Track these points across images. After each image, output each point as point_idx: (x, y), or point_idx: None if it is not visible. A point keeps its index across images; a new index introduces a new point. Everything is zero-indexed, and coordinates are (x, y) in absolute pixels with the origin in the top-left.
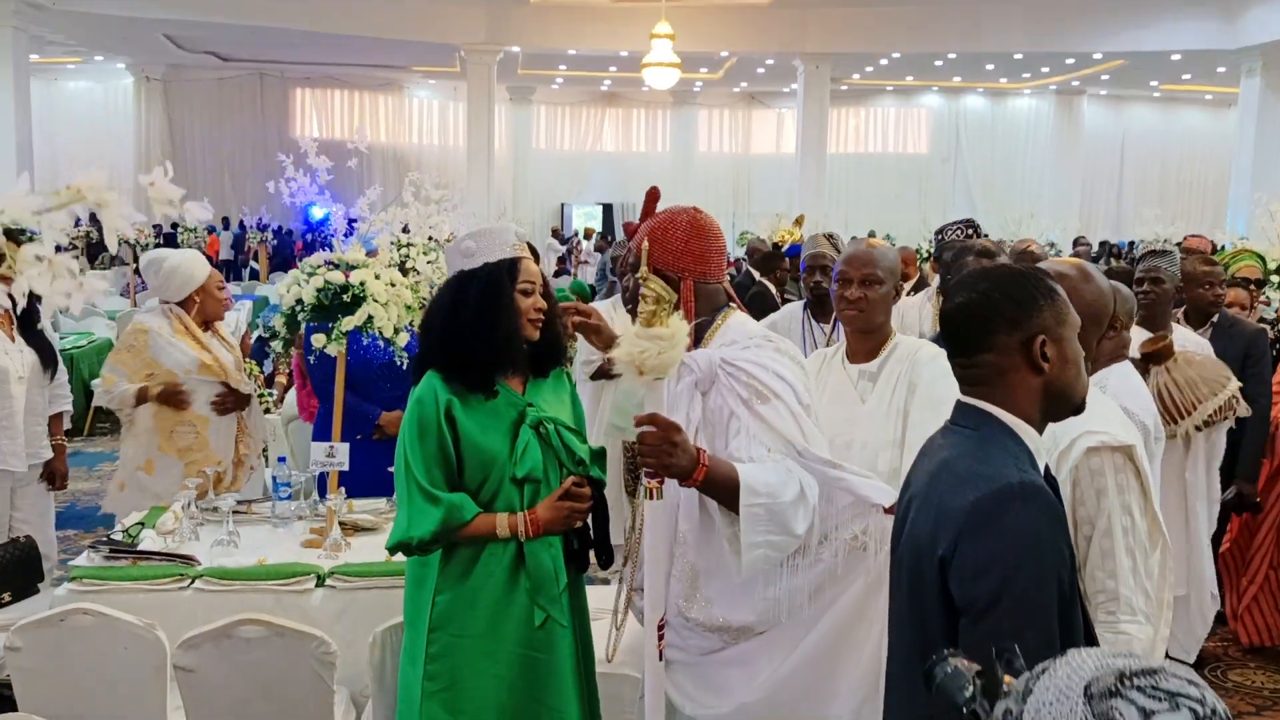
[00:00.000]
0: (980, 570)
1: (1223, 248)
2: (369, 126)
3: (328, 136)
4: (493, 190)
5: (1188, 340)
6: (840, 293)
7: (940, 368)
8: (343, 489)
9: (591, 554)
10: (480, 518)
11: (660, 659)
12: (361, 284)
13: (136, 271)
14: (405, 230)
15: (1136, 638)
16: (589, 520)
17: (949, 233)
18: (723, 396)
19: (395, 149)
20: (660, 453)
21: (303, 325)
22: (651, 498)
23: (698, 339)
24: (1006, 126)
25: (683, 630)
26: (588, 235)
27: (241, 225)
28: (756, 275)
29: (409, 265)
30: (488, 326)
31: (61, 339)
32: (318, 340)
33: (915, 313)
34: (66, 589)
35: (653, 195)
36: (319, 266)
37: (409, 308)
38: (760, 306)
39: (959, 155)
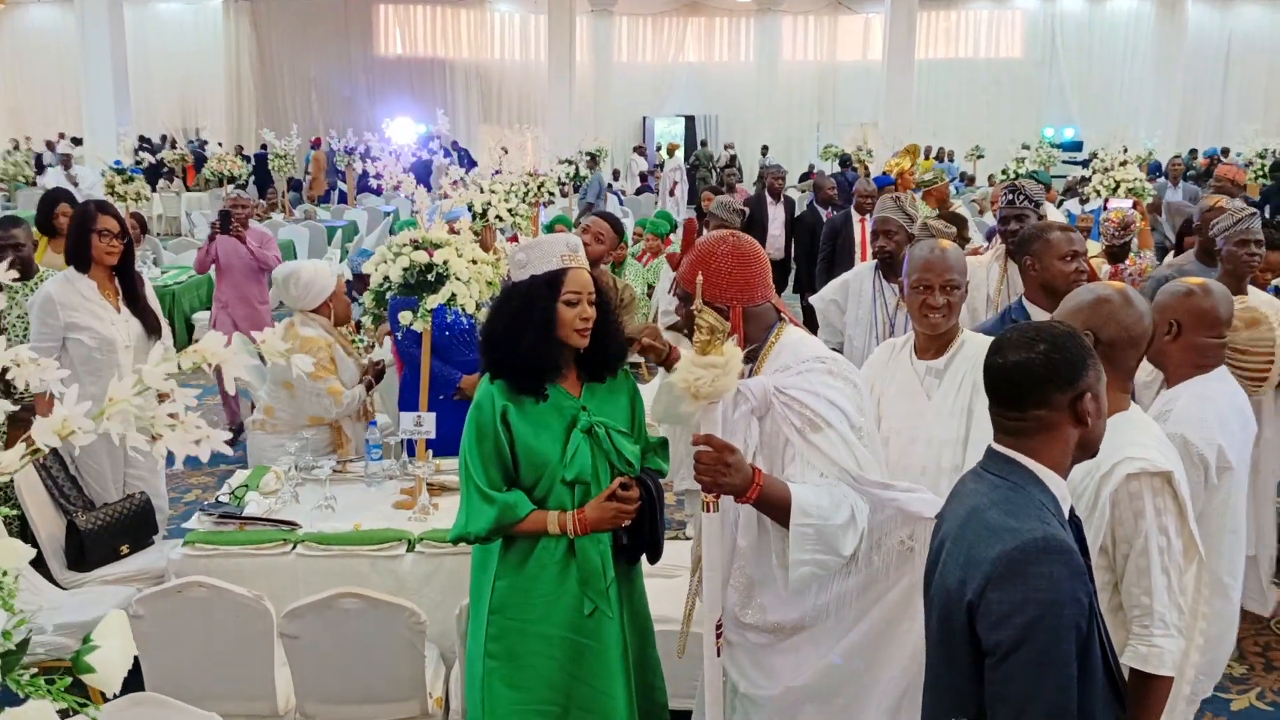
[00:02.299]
0: (1004, 618)
1: None
2: (451, 42)
3: (411, 53)
4: (574, 104)
5: (1261, 302)
6: (923, 299)
7: None
8: (430, 451)
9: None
10: (533, 515)
11: (718, 655)
12: (445, 263)
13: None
14: (504, 150)
15: (1168, 650)
16: (639, 517)
17: (1017, 202)
18: (777, 424)
19: (478, 64)
20: (715, 472)
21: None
22: (708, 510)
23: (751, 358)
24: (1105, 29)
25: (738, 628)
26: (670, 151)
27: (315, 144)
28: (821, 210)
29: (492, 212)
30: (521, 338)
31: (163, 273)
32: (404, 318)
33: (983, 272)
34: (181, 553)
35: (691, 226)
36: (404, 246)
37: (490, 284)
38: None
39: (1055, 60)
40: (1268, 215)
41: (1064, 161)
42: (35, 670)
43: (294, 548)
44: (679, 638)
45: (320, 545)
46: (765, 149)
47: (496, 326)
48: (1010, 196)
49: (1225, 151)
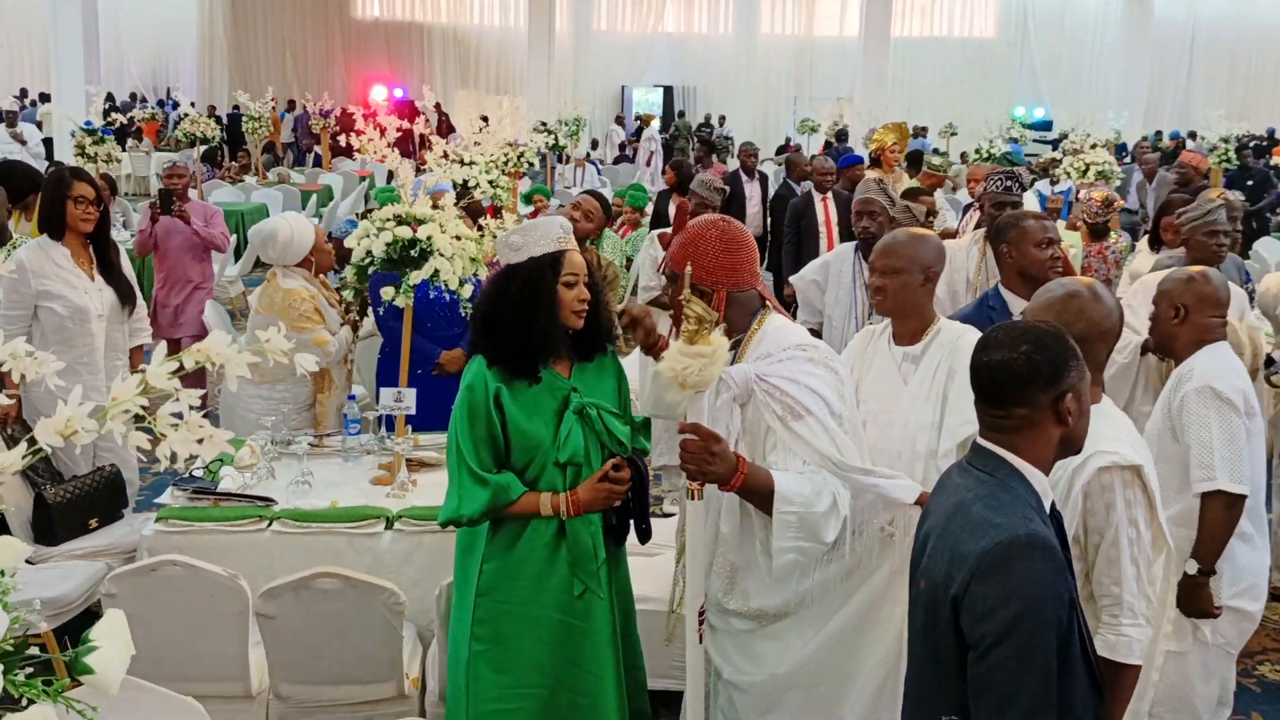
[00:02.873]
0: (987, 612)
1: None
2: (429, 6)
3: (388, 16)
4: (553, 72)
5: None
6: (870, 281)
7: None
8: (409, 426)
9: (631, 529)
10: (525, 497)
11: (700, 642)
12: (429, 238)
13: (202, 160)
14: (484, 120)
15: (1137, 639)
16: (628, 498)
17: (991, 183)
18: (759, 411)
19: (456, 29)
20: (700, 460)
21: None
22: (693, 498)
23: (734, 345)
24: (1076, 11)
25: (722, 614)
26: (646, 122)
27: (291, 105)
28: (796, 186)
29: (472, 185)
30: (527, 319)
31: (131, 235)
32: (386, 293)
33: (962, 255)
34: (154, 529)
35: (683, 207)
36: (387, 221)
37: (473, 259)
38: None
39: (1026, 40)
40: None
41: (1034, 141)
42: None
43: (270, 525)
44: (666, 622)
45: (297, 522)
46: (722, 119)
47: (500, 309)
48: (1007, 183)
49: (1192, 135)
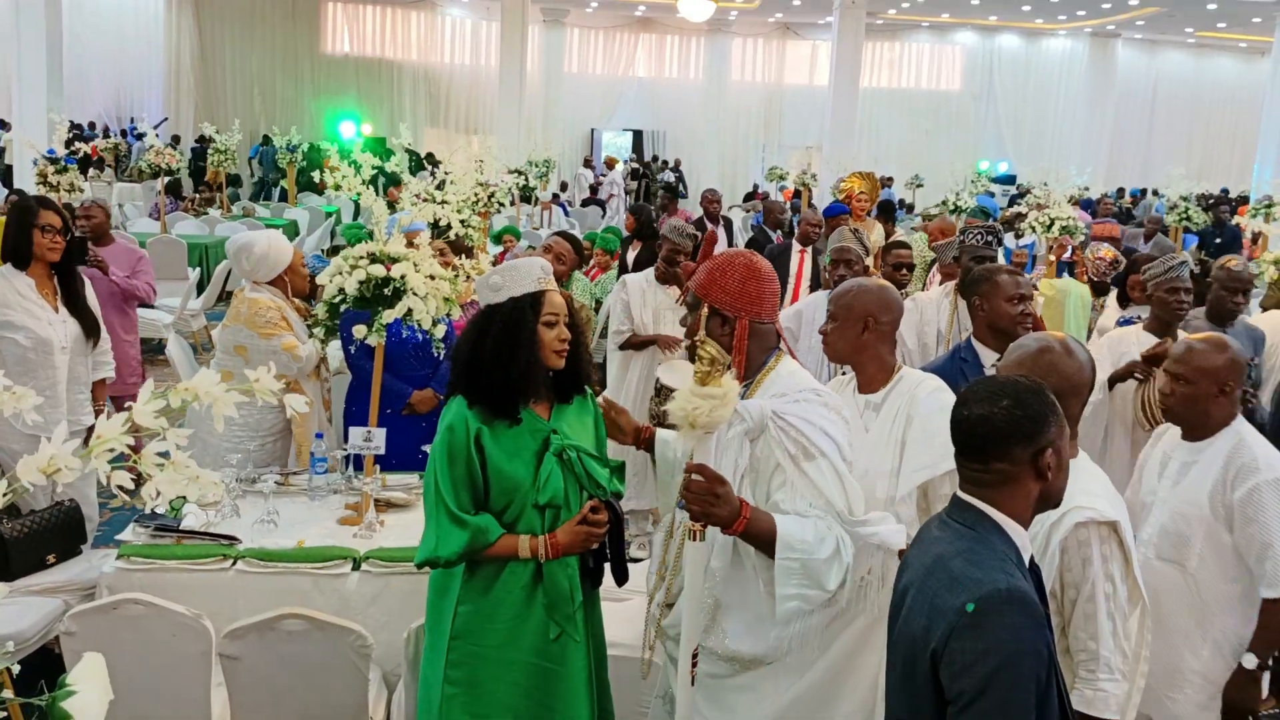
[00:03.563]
0: (966, 667)
1: (1243, 199)
2: (400, 43)
3: (358, 52)
4: (523, 113)
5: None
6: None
7: (937, 403)
8: (378, 466)
9: (608, 571)
10: (503, 539)
11: (692, 684)
12: (402, 277)
13: (165, 192)
14: (441, 186)
15: (1113, 694)
16: (605, 540)
17: (970, 236)
18: (770, 448)
19: (426, 68)
20: (704, 502)
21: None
22: (694, 539)
23: (750, 375)
24: (1040, 67)
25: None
26: (610, 165)
27: (266, 139)
28: (771, 233)
29: (443, 224)
30: (508, 359)
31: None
32: (359, 331)
33: (934, 308)
34: (114, 566)
35: (711, 238)
36: (361, 259)
37: (447, 300)
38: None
39: (991, 94)
40: (1203, 256)
41: (1000, 194)
42: None
43: (234, 564)
44: (643, 661)
45: (262, 562)
46: (677, 162)
47: (480, 349)
48: (987, 237)
49: (1155, 192)
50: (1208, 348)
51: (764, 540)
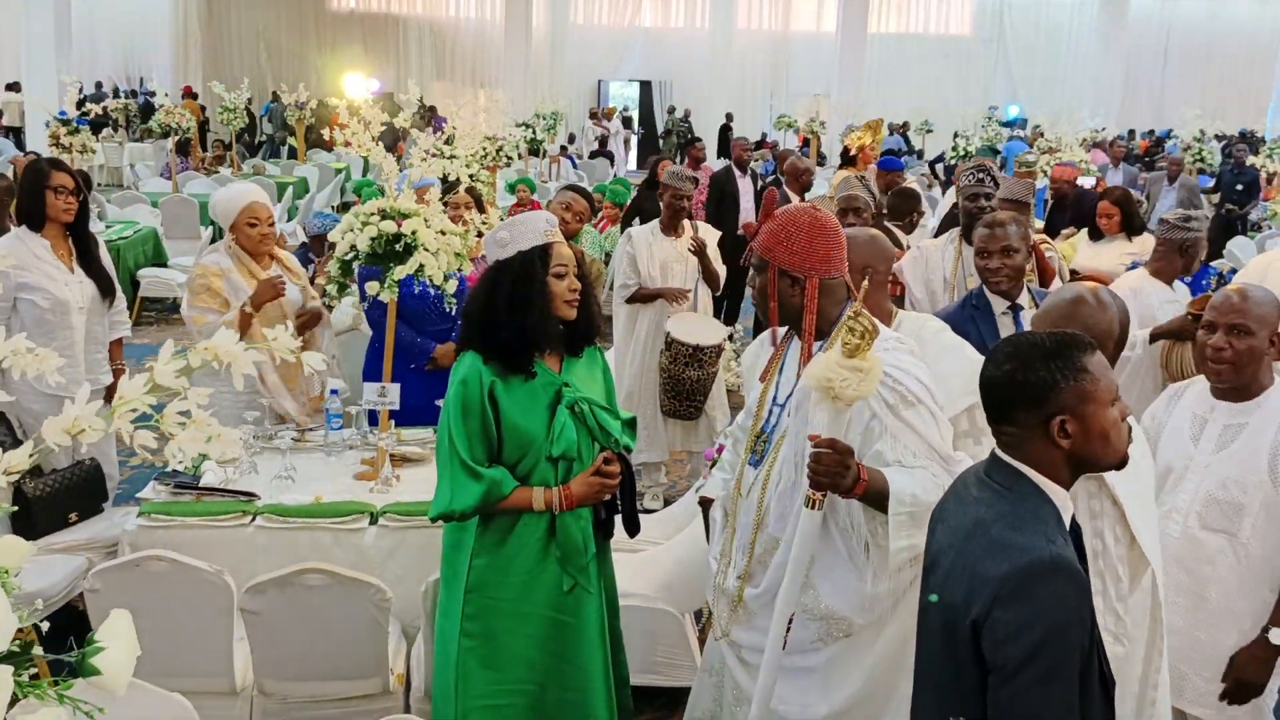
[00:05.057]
0: (1010, 637)
1: (1262, 139)
2: None
3: (364, 8)
4: (530, 65)
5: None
6: None
7: (941, 343)
8: (393, 422)
9: (619, 523)
10: (517, 492)
11: (783, 647)
12: (414, 233)
13: (177, 150)
14: (449, 142)
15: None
16: (617, 492)
17: (965, 177)
18: (866, 400)
19: (432, 22)
20: (835, 475)
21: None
22: (812, 508)
23: (824, 334)
24: (1051, 8)
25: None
26: (609, 115)
27: (275, 97)
28: (792, 196)
29: (452, 179)
30: (522, 313)
31: (107, 228)
32: (371, 287)
33: (939, 255)
34: (136, 524)
35: (771, 197)
36: (372, 215)
37: (458, 255)
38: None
39: (1002, 38)
40: (1218, 200)
41: (1010, 139)
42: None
43: (253, 520)
44: (705, 614)
45: (281, 517)
46: (730, 119)
47: (493, 305)
48: (980, 175)
49: (1169, 134)
50: (1261, 295)
51: (879, 497)
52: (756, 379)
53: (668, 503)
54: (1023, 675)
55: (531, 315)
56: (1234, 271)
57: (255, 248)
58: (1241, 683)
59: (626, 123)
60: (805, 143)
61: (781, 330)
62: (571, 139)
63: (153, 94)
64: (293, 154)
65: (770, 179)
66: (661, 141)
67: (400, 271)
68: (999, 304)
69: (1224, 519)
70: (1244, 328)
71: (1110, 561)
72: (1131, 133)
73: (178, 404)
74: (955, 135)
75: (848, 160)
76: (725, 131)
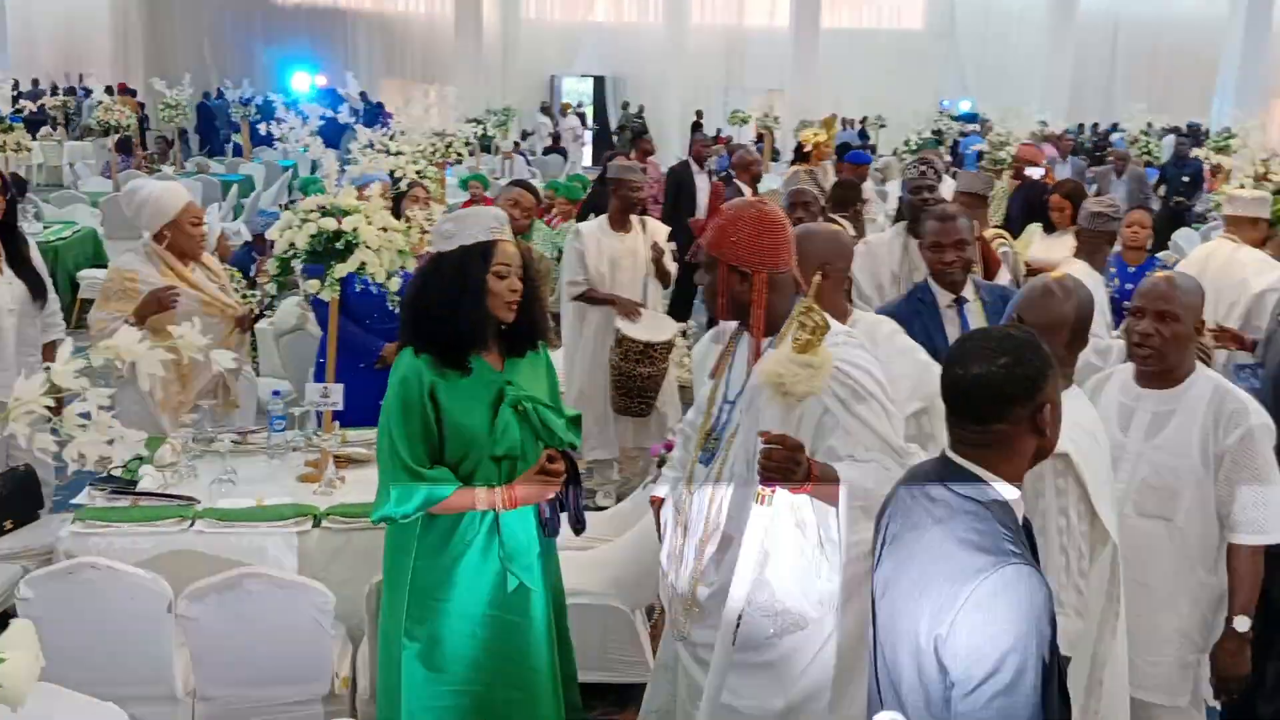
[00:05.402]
0: (973, 650)
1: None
2: None
3: (310, 1)
4: (480, 61)
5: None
6: None
7: (896, 346)
8: (337, 423)
9: (564, 521)
10: (459, 492)
11: (733, 644)
12: (354, 230)
13: (117, 148)
14: (393, 139)
15: (1065, 631)
16: (562, 490)
17: (907, 169)
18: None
19: (380, 16)
20: (786, 470)
21: (297, 269)
22: (762, 503)
23: (774, 329)
24: (1001, 3)
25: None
26: (564, 111)
27: (220, 95)
28: (743, 188)
29: (399, 175)
30: (453, 307)
31: (45, 228)
32: (312, 286)
33: (885, 249)
34: (70, 530)
35: (717, 190)
36: (311, 212)
37: (401, 252)
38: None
39: (953, 32)
40: (1163, 192)
41: (961, 134)
42: None
43: (192, 524)
44: (657, 610)
45: (220, 521)
46: (700, 116)
47: (426, 297)
48: (922, 169)
49: (1114, 128)
50: (1188, 283)
51: (829, 493)
52: (706, 375)
53: (620, 500)
54: (985, 687)
55: (464, 312)
56: (1178, 263)
57: (194, 249)
58: (1225, 679)
59: (580, 119)
60: (760, 138)
61: (731, 325)
62: (524, 135)
63: (90, 91)
64: (238, 151)
65: (723, 174)
66: (616, 137)
67: (341, 269)
68: (944, 297)
69: (1160, 505)
70: (1171, 314)
71: (1074, 538)
72: (1081, 127)
73: (78, 405)
74: (911, 133)
75: (801, 156)
76: (695, 130)
